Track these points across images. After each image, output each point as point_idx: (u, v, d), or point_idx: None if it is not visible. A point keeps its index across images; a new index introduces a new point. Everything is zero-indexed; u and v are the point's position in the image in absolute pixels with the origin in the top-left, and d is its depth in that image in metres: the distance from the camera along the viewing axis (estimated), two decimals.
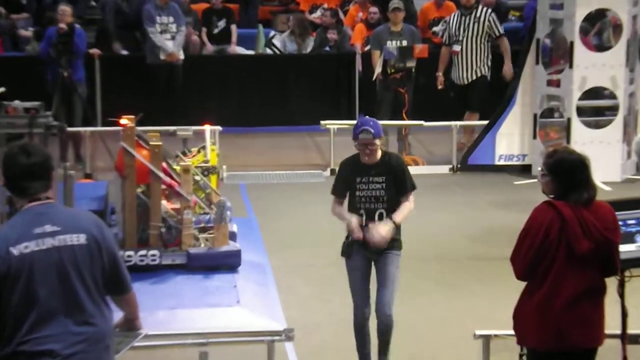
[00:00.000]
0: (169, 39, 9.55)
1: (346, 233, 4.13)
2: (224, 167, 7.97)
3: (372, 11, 10.23)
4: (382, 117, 8.70)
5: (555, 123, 8.44)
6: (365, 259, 4.08)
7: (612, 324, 3.39)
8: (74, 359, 2.61)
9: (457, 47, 8.66)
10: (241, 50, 10.96)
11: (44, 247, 2.63)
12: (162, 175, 5.36)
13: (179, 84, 9.78)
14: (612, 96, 8.08)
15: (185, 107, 9.86)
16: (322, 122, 8.61)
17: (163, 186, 5.40)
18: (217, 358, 3.88)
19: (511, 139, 8.51)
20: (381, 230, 4.01)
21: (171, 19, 9.50)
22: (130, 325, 2.93)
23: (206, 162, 6.08)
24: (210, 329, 4.27)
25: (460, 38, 8.64)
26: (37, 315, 2.60)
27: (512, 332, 3.35)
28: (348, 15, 11.15)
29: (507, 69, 8.75)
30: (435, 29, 10.42)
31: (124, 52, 10.25)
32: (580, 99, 8.02)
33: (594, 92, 8.12)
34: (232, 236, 5.54)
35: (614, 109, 8.14)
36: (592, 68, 7.93)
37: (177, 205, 5.45)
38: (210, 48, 10.63)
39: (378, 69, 8.69)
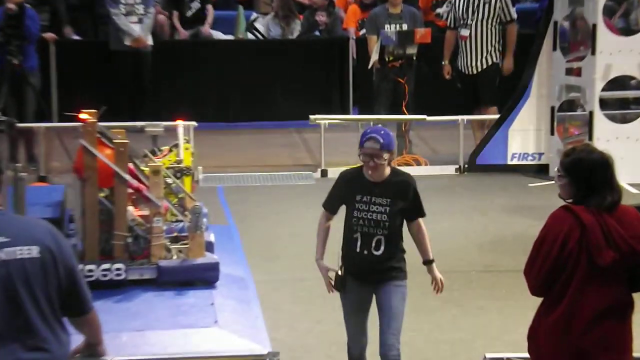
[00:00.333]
0: (135, 22, 9.54)
1: (340, 247, 4.03)
2: (200, 168, 7.96)
3: None
4: (379, 111, 8.75)
5: (575, 117, 8.48)
6: (364, 292, 3.98)
7: None
8: None
9: (465, 32, 8.67)
10: (219, 35, 10.95)
11: None
12: (128, 177, 5.35)
13: (147, 73, 9.77)
14: None
15: (154, 100, 9.85)
16: (312, 116, 8.61)
17: (129, 190, 5.39)
18: None
19: (525, 136, 8.55)
20: (438, 276, 4.04)
21: None
22: (92, 350, 2.91)
23: (179, 162, 6.07)
24: (184, 353, 4.26)
25: (469, 21, 8.64)
26: None
27: (526, 354, 3.35)
28: None
29: (508, 63, 8.77)
30: (439, 10, 10.46)
31: (76, 37, 10.21)
32: (604, 89, 8.05)
33: (620, 82, 8.16)
34: (209, 246, 5.53)
35: None
36: (617, 54, 7.97)
37: (146, 212, 5.43)
38: (183, 32, 10.62)
39: (374, 57, 8.70)
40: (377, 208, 3.89)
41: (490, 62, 8.70)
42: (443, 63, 8.87)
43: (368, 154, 3.87)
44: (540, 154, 8.54)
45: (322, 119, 8.54)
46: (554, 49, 8.31)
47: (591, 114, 8.03)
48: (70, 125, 6.97)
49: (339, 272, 3.99)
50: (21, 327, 2.62)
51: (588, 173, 3.19)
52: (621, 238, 3.17)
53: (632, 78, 8.16)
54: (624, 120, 8.24)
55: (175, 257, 5.41)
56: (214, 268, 5.35)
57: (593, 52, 7.95)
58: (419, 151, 8.98)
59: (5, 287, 2.62)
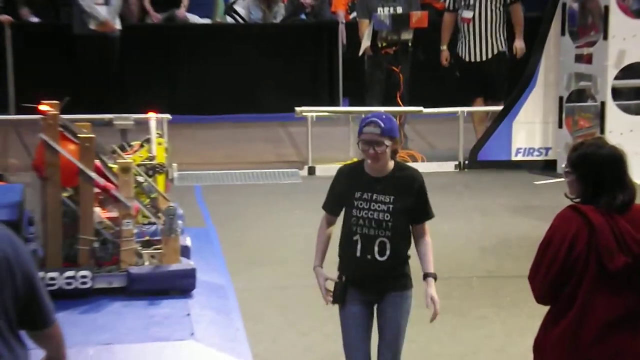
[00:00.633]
0: (102, 4, 9.51)
1: (336, 254, 3.90)
2: (174, 165, 7.96)
3: None
4: (371, 102, 8.76)
5: (585, 108, 8.52)
6: (365, 305, 3.84)
7: None
8: None
9: (467, 14, 8.66)
10: (195, 19, 10.94)
11: None
12: (94, 175, 5.34)
13: (115, 60, 9.74)
14: None
15: (124, 90, 9.83)
16: (298, 109, 8.63)
17: (96, 190, 5.37)
18: None
19: (531, 129, 8.58)
20: (435, 295, 3.79)
21: None
22: None
23: (151, 159, 6.07)
24: None
25: (471, 1, 8.63)
26: None
27: None
28: None
29: (519, 44, 8.79)
30: None
31: (35, 19, 10.17)
32: (617, 77, 8.09)
33: (634, 70, 8.20)
34: (185, 251, 5.53)
35: None
36: (631, 39, 8.01)
37: (115, 214, 5.42)
38: (155, 15, 10.60)
39: (366, 43, 8.71)
40: (378, 206, 3.78)
41: (496, 51, 8.72)
42: (441, 48, 8.87)
43: (367, 140, 3.75)
44: (547, 149, 8.57)
45: (309, 112, 8.55)
46: (562, 33, 8.35)
47: (603, 104, 8.07)
48: (29, 118, 6.95)
49: (339, 281, 3.85)
50: None
51: (597, 169, 3.20)
52: (634, 240, 3.18)
53: None
54: (639, 111, 8.29)
55: (147, 263, 5.40)
56: (190, 275, 5.34)
57: (605, 37, 7.99)
58: (415, 146, 9.00)
59: None
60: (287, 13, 10.84)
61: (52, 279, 5.16)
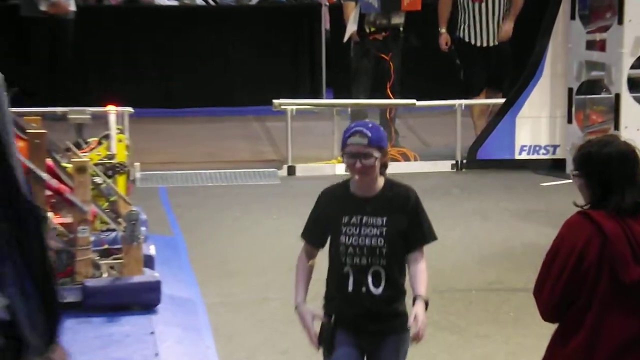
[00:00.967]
0: None
1: (324, 284, 3.75)
2: (137, 164, 7.95)
3: None
4: (358, 94, 8.77)
5: (598, 101, 8.56)
6: (356, 350, 3.72)
7: None
8: None
9: None
10: (161, 0, 10.92)
11: None
12: (45, 176, 5.32)
13: (69, 46, 9.71)
14: None
15: (80, 80, 9.79)
16: (276, 101, 8.63)
17: (47, 192, 5.36)
18: None
19: (537, 124, 8.62)
20: (422, 317, 3.62)
21: None
22: None
23: (110, 157, 6.06)
24: None
25: None
26: None
27: None
28: None
29: (507, 29, 8.75)
30: None
31: None
32: (634, 67, 8.13)
33: None
34: (149, 262, 5.52)
35: None
36: None
37: (69, 219, 5.41)
38: None
39: (352, 27, 8.72)
40: (370, 230, 3.66)
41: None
42: (440, 31, 8.83)
43: (353, 152, 3.64)
44: (555, 147, 8.61)
45: (289, 104, 8.56)
46: (572, 17, 8.38)
47: (617, 97, 8.11)
48: None
49: (327, 322, 3.69)
50: None
51: (601, 168, 3.20)
52: None
53: None
54: None
55: (105, 275, 5.39)
56: (154, 288, 5.33)
57: (620, 21, 8.02)
58: (407, 143, 9.02)
59: None
60: None
61: None
